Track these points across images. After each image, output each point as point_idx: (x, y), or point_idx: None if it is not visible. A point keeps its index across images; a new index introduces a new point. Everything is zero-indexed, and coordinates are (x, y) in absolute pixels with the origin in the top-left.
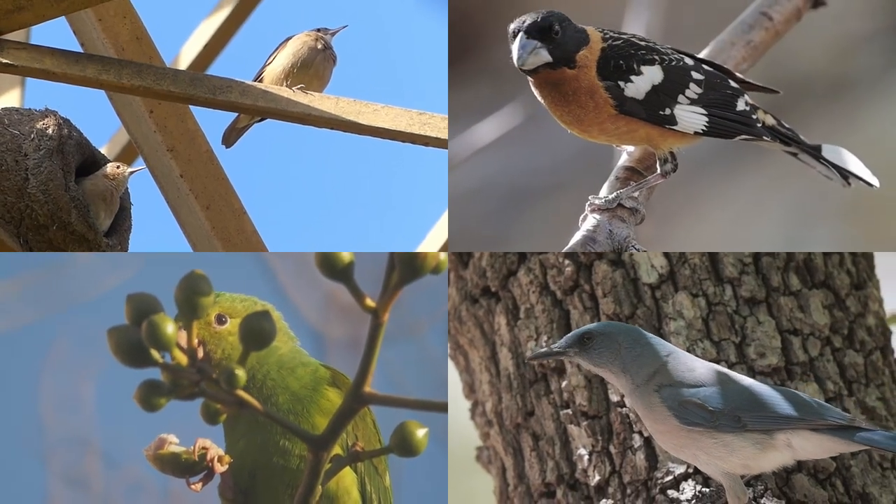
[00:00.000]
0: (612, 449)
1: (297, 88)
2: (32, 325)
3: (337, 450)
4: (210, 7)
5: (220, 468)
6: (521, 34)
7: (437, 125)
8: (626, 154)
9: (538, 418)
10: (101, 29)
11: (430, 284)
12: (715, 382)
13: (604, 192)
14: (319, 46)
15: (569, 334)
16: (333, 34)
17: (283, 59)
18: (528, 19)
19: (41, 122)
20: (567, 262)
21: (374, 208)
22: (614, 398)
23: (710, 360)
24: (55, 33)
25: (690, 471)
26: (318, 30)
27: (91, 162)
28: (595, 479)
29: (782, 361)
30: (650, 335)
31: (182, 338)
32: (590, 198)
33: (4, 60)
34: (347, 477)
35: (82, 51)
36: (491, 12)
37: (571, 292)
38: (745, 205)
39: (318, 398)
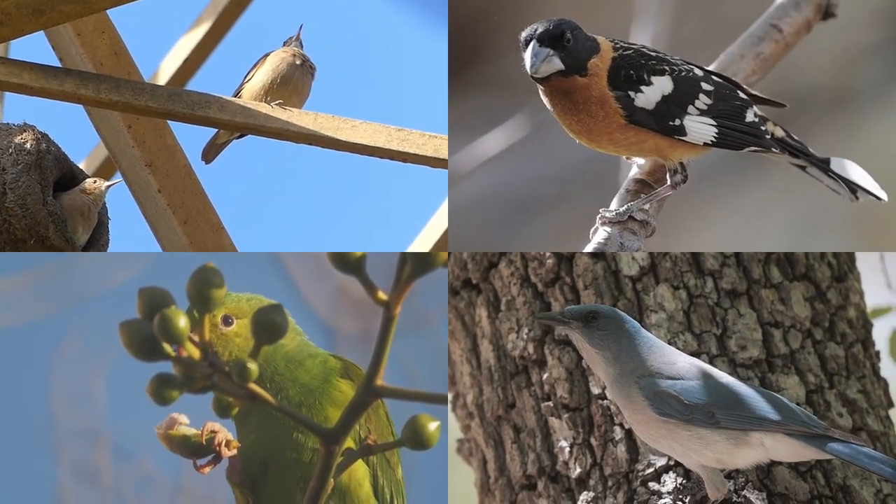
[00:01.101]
0: (593, 441)
1: (276, 104)
2: (43, 320)
3: (349, 443)
4: (189, 22)
5: (227, 452)
6: (533, 42)
7: (415, 141)
8: (636, 166)
9: (519, 410)
10: (80, 44)
11: (441, 278)
12: (694, 377)
13: (614, 204)
14: (298, 62)
15: (574, 307)
16: (299, 43)
17: (262, 76)
18: (539, 27)
19: (19, 137)
20: (548, 254)
21: (357, 225)
22: (595, 390)
23: (692, 353)
24: (34, 48)
25: (671, 463)
26: (286, 42)
27: (69, 177)
28: (576, 471)
29: (763, 354)
30: (641, 328)
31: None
32: (601, 210)
33: None
34: (359, 470)
35: (61, 66)
36: (493, 23)
37: (552, 284)
38: (751, 215)
39: (329, 389)
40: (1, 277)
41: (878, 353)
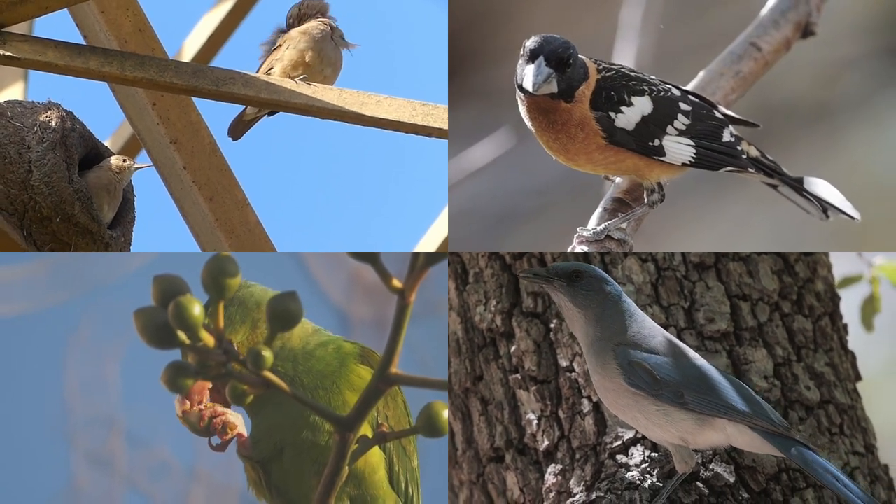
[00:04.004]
0: (560, 414)
1: (300, 79)
2: (58, 307)
3: (366, 429)
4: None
5: (225, 438)
6: (541, 59)
7: (439, 115)
8: (614, 185)
9: (487, 383)
10: (104, 21)
11: (444, 267)
12: (670, 355)
13: (592, 223)
14: (332, 36)
15: (559, 263)
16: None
17: (294, 50)
18: (548, 46)
19: (44, 115)
20: None
21: (377, 198)
22: (563, 363)
23: (659, 325)
24: (58, 25)
25: (639, 436)
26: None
27: (94, 154)
28: (544, 443)
29: (731, 327)
30: (624, 293)
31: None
32: (578, 230)
33: (7, 53)
34: (374, 456)
35: (85, 43)
36: (488, 33)
37: (520, 257)
38: (730, 227)
39: (347, 373)
40: (16, 265)
41: (845, 327)
